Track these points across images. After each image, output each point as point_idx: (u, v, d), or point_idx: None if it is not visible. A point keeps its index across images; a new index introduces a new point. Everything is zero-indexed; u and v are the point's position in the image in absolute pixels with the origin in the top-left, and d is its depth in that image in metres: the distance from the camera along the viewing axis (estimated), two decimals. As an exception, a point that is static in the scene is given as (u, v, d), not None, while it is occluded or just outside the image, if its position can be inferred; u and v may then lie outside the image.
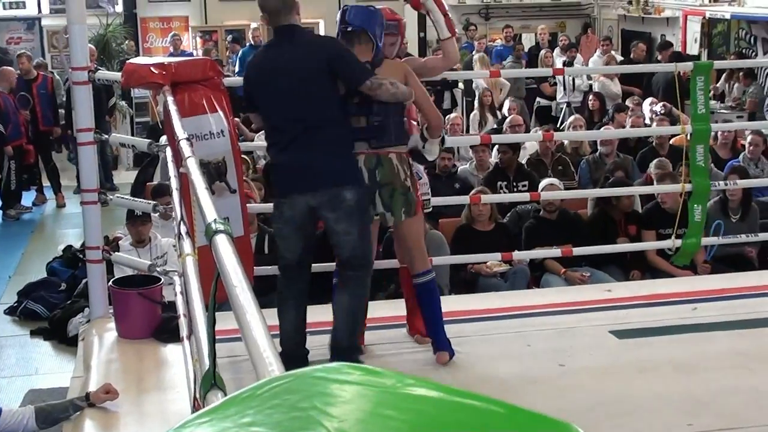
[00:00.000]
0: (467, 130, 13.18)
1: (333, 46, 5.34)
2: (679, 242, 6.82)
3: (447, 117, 12.39)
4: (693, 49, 17.00)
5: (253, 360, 2.48)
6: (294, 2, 5.23)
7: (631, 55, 15.34)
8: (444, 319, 6.09)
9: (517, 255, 7.12)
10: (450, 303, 6.51)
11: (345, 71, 5.17)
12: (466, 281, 7.97)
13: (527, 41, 18.88)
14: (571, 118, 12.21)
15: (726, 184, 8.00)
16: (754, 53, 16.48)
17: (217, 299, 2.57)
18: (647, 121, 11.32)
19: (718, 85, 14.87)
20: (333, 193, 5.10)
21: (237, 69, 15.66)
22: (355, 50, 5.34)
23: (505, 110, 12.97)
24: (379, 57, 5.42)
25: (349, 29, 5.43)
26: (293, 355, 5.06)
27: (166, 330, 5.84)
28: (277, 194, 5.40)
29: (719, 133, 10.21)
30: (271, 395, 1.72)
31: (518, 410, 1.55)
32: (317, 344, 5.34)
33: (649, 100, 12.04)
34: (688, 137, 6.70)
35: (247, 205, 6.25)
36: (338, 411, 1.68)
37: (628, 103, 12.43)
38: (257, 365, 2.47)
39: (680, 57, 14.11)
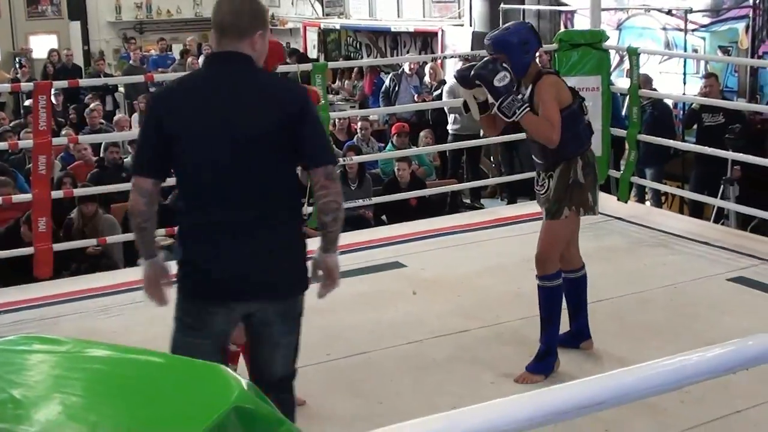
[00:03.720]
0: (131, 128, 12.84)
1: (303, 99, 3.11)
2: (311, 209, 6.94)
3: (114, 118, 12.01)
4: (313, 53, 17.38)
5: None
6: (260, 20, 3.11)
7: (265, 60, 15.45)
8: (121, 288, 5.93)
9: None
10: (124, 275, 6.34)
11: (310, 141, 3.06)
12: (138, 255, 7.79)
13: (176, 50, 18.64)
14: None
15: (344, 160, 8.28)
16: (360, 55, 17.08)
17: None
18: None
19: (349, 82, 15.24)
20: (289, 303, 3.20)
21: None
22: None
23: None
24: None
25: None
26: None
27: None
28: (201, 298, 3.12)
29: (337, 120, 10.50)
30: (-45, 370, 1.61)
31: (176, 359, 1.53)
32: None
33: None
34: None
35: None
36: (20, 378, 1.60)
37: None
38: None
39: (303, 59, 14.38)
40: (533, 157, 4.61)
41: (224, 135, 2.96)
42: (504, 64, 4.27)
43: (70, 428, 1.48)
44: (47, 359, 1.69)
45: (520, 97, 4.30)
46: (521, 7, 12.58)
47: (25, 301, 5.73)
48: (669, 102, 9.99)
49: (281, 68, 4.56)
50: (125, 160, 9.55)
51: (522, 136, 5.36)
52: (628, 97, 7.62)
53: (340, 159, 8.25)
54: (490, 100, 4.31)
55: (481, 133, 9.27)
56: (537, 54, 4.56)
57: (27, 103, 12.38)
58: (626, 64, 8.58)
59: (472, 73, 4.32)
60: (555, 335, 4.53)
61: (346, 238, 7.17)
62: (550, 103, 4.29)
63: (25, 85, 7.50)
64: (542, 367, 4.47)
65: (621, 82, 9.26)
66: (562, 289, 4.55)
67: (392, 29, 15.73)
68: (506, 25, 4.64)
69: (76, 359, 1.66)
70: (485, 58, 4.37)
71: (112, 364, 1.58)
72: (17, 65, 16.07)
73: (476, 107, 4.52)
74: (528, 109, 4.26)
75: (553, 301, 4.51)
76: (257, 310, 3.11)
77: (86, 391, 1.52)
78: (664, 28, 10.94)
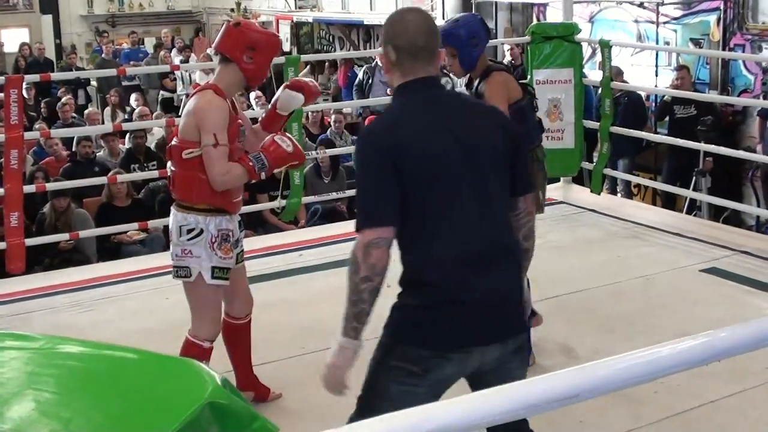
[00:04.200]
0: (103, 122, 12.75)
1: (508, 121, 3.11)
2: (284, 202, 6.93)
3: (85, 112, 11.91)
4: (285, 46, 17.32)
5: None
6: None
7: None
8: (93, 283, 5.89)
9: (153, 223, 6.97)
10: (96, 270, 6.31)
11: (524, 166, 2.93)
12: (111, 250, 7.76)
13: (149, 43, 18.55)
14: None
15: (317, 154, 8.27)
16: (333, 48, 17.05)
17: None
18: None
19: (322, 76, 15.23)
20: (525, 335, 2.88)
21: None
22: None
23: (132, 103, 12.63)
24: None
25: None
26: None
27: None
28: (440, 346, 2.71)
29: (310, 113, 10.46)
30: (-75, 368, 1.59)
31: (148, 354, 1.51)
32: None
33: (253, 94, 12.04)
34: (286, 117, 6.78)
35: None
36: (-8, 374, 1.57)
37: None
38: None
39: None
40: None
41: (466, 159, 2.69)
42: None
43: (44, 425, 1.46)
44: (20, 356, 1.66)
45: None
46: (494, -1, 12.61)
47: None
48: (642, 93, 10.06)
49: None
50: (98, 154, 9.50)
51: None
52: (600, 89, 7.64)
53: (312, 152, 8.24)
54: None
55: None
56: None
57: (-3, 96, 12.25)
58: (598, 57, 8.61)
59: None
60: None
61: (320, 231, 7.21)
62: (501, 106, 4.14)
63: (-4, 79, 7.41)
64: None
65: (593, 74, 9.29)
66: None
67: (365, 22, 15.71)
68: (455, 17, 4.57)
69: (49, 355, 1.63)
70: None
71: (86, 360, 1.57)
72: (-13, 59, 15.96)
73: None
74: None
75: None
76: (496, 353, 2.71)
77: (59, 388, 1.51)
78: (636, 21, 10.99)
